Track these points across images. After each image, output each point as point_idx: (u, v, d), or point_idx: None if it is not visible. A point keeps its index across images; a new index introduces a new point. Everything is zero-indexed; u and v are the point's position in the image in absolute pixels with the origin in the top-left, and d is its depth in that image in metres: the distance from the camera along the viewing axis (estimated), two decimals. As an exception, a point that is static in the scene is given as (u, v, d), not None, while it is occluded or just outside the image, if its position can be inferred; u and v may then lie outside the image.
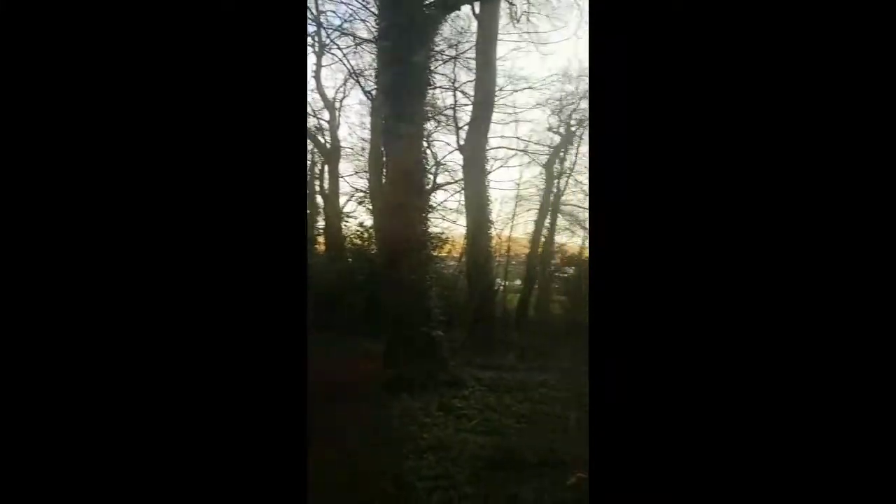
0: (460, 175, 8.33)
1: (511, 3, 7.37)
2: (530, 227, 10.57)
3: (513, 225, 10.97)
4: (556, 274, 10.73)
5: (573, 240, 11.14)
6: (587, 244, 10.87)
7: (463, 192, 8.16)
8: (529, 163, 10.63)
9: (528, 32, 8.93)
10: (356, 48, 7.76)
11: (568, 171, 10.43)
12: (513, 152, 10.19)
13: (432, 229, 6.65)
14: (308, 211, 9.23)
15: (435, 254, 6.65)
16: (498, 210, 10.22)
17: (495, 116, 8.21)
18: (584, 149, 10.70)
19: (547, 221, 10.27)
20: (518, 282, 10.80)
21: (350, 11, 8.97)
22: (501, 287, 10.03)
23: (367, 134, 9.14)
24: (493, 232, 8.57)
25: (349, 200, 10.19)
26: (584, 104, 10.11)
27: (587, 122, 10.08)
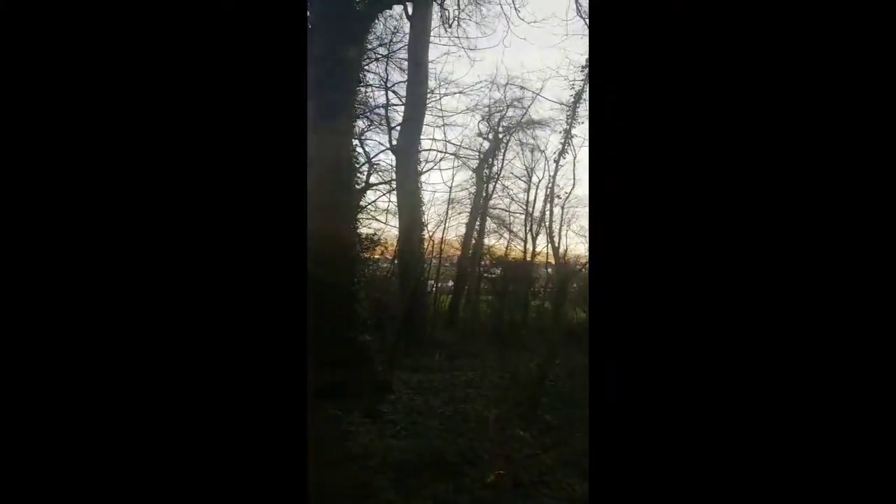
0: (392, 175, 8.27)
1: (443, 8, 7.47)
2: (461, 230, 10.81)
3: (445, 227, 11.13)
4: (486, 275, 11.08)
5: (500, 242, 11.60)
6: (512, 246, 11.39)
7: (395, 192, 8.11)
8: (460, 166, 10.87)
9: (458, 37, 9.14)
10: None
11: (496, 177, 10.83)
12: (443, 155, 10.34)
13: (363, 230, 6.53)
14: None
15: (366, 255, 6.52)
16: (430, 212, 10.34)
17: (427, 118, 8.27)
18: (510, 155, 11.20)
19: (476, 224, 10.56)
20: (450, 283, 10.97)
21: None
22: (434, 288, 10.12)
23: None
24: (426, 234, 8.62)
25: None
26: (512, 112, 10.57)
27: (514, 130, 10.55)
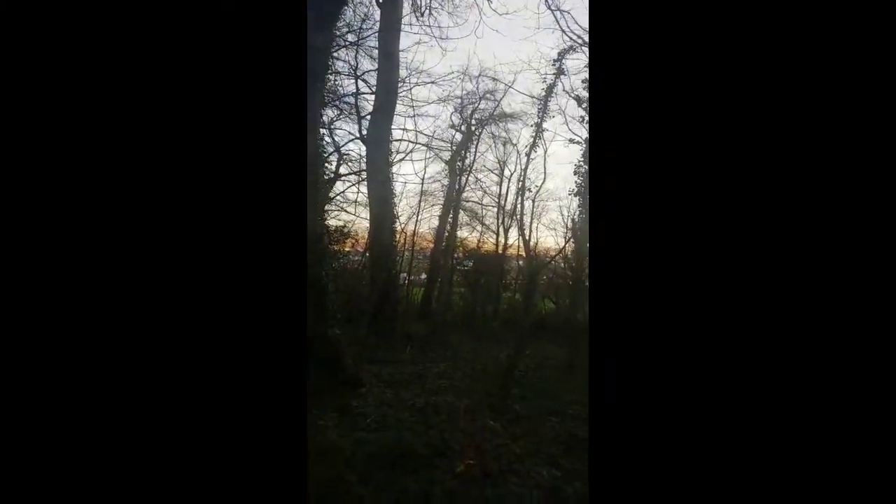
0: (362, 165, 8.12)
1: (415, -5, 7.31)
2: (434, 223, 10.78)
3: (418, 220, 11.07)
4: (458, 267, 11.12)
5: (473, 234, 11.66)
6: (485, 239, 11.47)
7: (365, 183, 7.97)
8: (432, 158, 10.81)
9: (430, 26, 9.02)
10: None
11: (469, 169, 10.83)
12: (415, 146, 10.24)
13: (332, 222, 6.39)
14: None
15: (336, 248, 6.39)
16: (402, 204, 10.26)
17: (397, 108, 8.14)
18: (483, 147, 11.23)
19: (449, 217, 10.56)
20: (423, 275, 10.94)
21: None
22: (406, 281, 10.06)
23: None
24: (398, 226, 8.53)
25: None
26: (484, 104, 10.57)
27: (486, 122, 10.57)
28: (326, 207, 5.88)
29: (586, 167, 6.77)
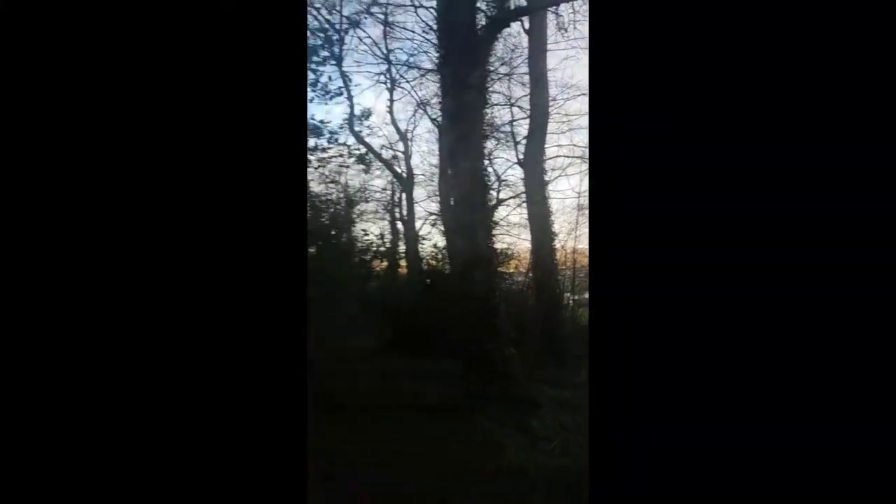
0: (521, 189, 8.34)
1: (558, 14, 7.33)
2: (595, 237, 10.19)
3: (577, 235, 10.64)
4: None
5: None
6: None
7: (525, 205, 8.15)
8: (587, 171, 10.33)
9: (574, 39, 8.81)
10: (421, 79, 8.19)
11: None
12: (570, 160, 9.97)
13: (498, 245, 6.72)
14: (391, 236, 10.06)
15: (502, 270, 6.68)
16: (561, 221, 10.05)
17: (551, 126, 8.15)
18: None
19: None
20: (587, 294, 10.38)
21: (414, 46, 9.64)
22: (571, 301, 9.71)
23: (435, 160, 9.55)
24: (558, 244, 8.39)
25: (423, 224, 10.70)
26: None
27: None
28: (494, 231, 6.23)
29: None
